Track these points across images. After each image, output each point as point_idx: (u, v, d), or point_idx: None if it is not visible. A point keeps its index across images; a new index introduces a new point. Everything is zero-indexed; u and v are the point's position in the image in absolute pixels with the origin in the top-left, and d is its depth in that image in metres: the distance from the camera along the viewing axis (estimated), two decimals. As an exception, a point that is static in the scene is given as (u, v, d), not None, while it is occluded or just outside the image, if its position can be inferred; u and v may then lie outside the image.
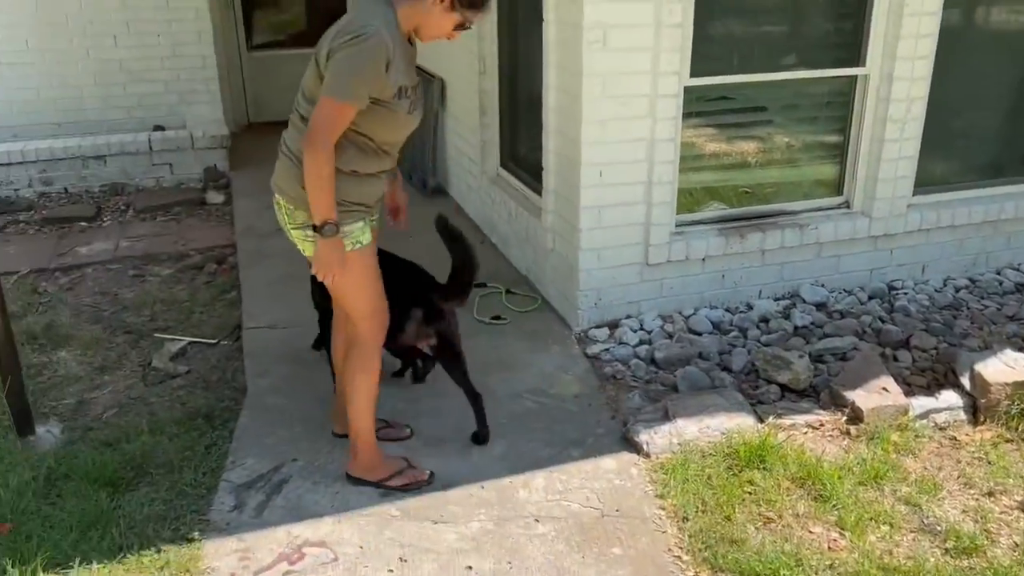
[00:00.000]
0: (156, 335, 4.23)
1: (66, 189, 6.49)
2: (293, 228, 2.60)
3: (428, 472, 2.94)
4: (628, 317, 3.98)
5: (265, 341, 3.96)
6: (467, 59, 5.14)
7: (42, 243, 5.54)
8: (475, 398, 3.15)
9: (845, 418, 3.20)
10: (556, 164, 3.96)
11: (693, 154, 4.02)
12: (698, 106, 3.93)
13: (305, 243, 2.60)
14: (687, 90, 3.75)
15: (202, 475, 3.00)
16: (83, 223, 5.88)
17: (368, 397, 2.83)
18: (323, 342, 3.70)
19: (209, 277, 5.00)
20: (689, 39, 3.64)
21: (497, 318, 4.13)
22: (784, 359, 3.42)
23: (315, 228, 2.46)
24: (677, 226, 3.96)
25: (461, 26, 2.52)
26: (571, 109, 3.70)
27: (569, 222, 3.89)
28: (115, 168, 6.56)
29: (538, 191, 4.37)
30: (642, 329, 3.90)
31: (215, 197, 6.32)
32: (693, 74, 3.73)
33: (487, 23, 4.84)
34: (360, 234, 2.60)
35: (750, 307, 4.10)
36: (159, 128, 7.15)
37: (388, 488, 2.87)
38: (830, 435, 3.16)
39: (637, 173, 3.75)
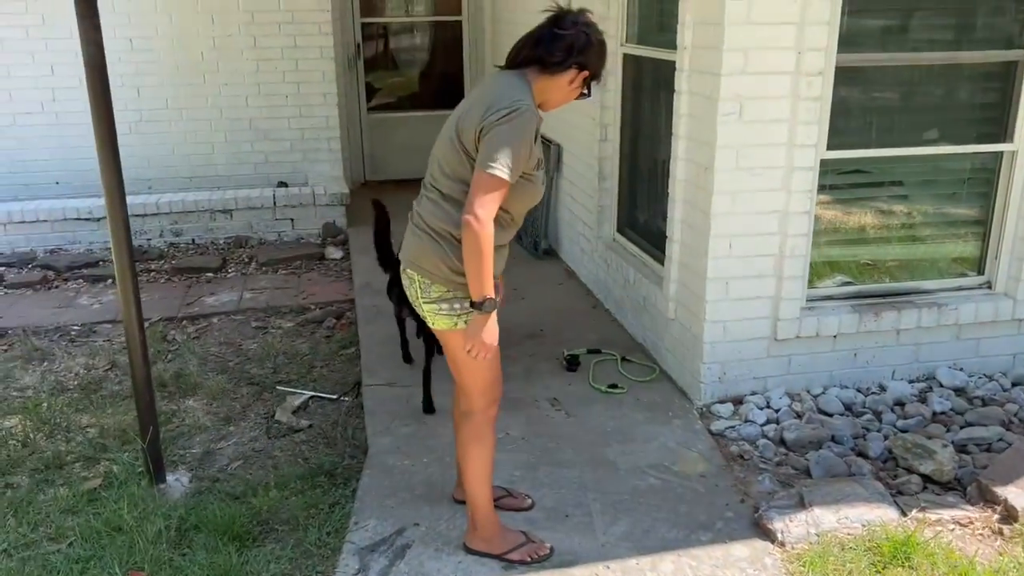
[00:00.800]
0: (279, 388, 4.33)
1: (194, 240, 6.80)
2: (427, 303, 2.59)
3: (549, 546, 2.87)
4: (753, 393, 3.85)
5: (385, 399, 4.00)
6: (587, 126, 5.17)
7: (171, 292, 5.79)
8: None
9: (997, 516, 2.98)
10: (682, 234, 3.91)
11: (826, 227, 3.90)
12: (832, 179, 3.83)
13: (437, 317, 2.60)
14: (823, 163, 3.66)
15: (326, 535, 3.01)
16: (209, 273, 6.13)
17: (484, 468, 2.80)
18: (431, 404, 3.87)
19: (328, 331, 5.11)
20: (827, 112, 3.57)
21: (614, 387, 4.05)
22: (927, 448, 3.23)
23: (473, 304, 2.48)
24: (808, 301, 3.84)
25: (581, 95, 2.63)
26: (702, 180, 3.66)
27: (694, 292, 3.82)
28: (240, 222, 6.85)
29: (658, 258, 4.32)
30: (769, 407, 3.76)
31: (334, 252, 6.51)
32: (830, 147, 3.64)
33: (610, 92, 4.88)
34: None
35: (883, 388, 3.91)
36: (282, 184, 7.45)
37: (509, 561, 2.82)
38: (980, 534, 2.94)
39: (768, 246, 3.66)
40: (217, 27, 7.10)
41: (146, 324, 5.26)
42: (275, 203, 6.86)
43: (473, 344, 2.53)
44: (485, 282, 2.43)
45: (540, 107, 2.55)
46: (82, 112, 7.11)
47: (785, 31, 3.39)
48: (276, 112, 7.39)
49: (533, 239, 6.23)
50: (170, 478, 3.47)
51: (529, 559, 2.81)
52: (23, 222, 6.52)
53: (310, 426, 3.92)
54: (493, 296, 2.48)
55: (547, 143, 6.05)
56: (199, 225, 6.80)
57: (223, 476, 3.51)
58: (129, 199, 6.69)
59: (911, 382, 3.96)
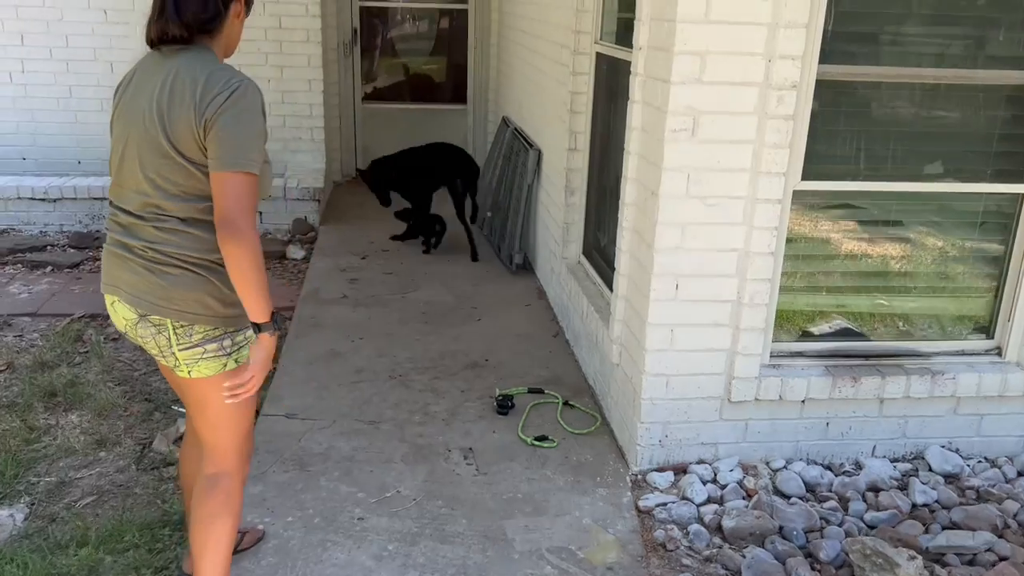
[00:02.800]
0: (174, 407, 3.85)
1: (155, 228, 6.37)
2: (185, 349, 2.09)
3: None
4: (700, 462, 3.25)
5: (276, 434, 3.48)
6: (560, 131, 4.60)
7: (109, 285, 5.36)
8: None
9: (965, 662, 2.35)
10: (629, 268, 3.33)
11: (799, 271, 3.28)
12: (811, 213, 3.21)
13: (200, 363, 2.10)
14: (797, 195, 3.04)
15: (135, 611, 2.51)
16: (156, 267, 5.69)
17: (231, 544, 2.29)
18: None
19: (256, 343, 4.61)
20: (803, 134, 2.94)
21: (543, 439, 3.48)
22: (889, 559, 2.60)
23: (260, 328, 2.03)
24: (772, 357, 3.22)
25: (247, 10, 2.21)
26: (648, 206, 3.06)
27: (636, 338, 3.23)
28: (205, 211, 6.40)
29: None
30: (714, 481, 3.16)
31: (295, 252, 6.02)
32: (806, 176, 3.02)
33: (582, 96, 4.30)
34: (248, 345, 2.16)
35: (859, 466, 3.29)
36: (258, 174, 7.00)
37: None
38: None
39: (724, 290, 3.06)
40: (197, 3, 6.65)
41: (67, 320, 4.87)
42: (243, 194, 6.38)
43: (255, 374, 2.07)
44: (266, 297, 2.01)
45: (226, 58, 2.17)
46: (51, 85, 6.81)
47: (753, 33, 2.78)
48: (257, 97, 6.92)
49: (509, 252, 5.67)
50: (3, 513, 3.00)
51: None
52: (-26, 199, 6.17)
53: (188, 459, 3.43)
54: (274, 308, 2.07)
55: (528, 145, 5.48)
56: (161, 213, 6.36)
57: (65, 515, 3.03)
58: (88, 181, 6.37)
59: (894, 461, 3.32)
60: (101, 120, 6.82)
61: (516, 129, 6.14)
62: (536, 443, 3.46)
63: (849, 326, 3.38)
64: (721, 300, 3.07)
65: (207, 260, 2.05)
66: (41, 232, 6.22)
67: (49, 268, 5.58)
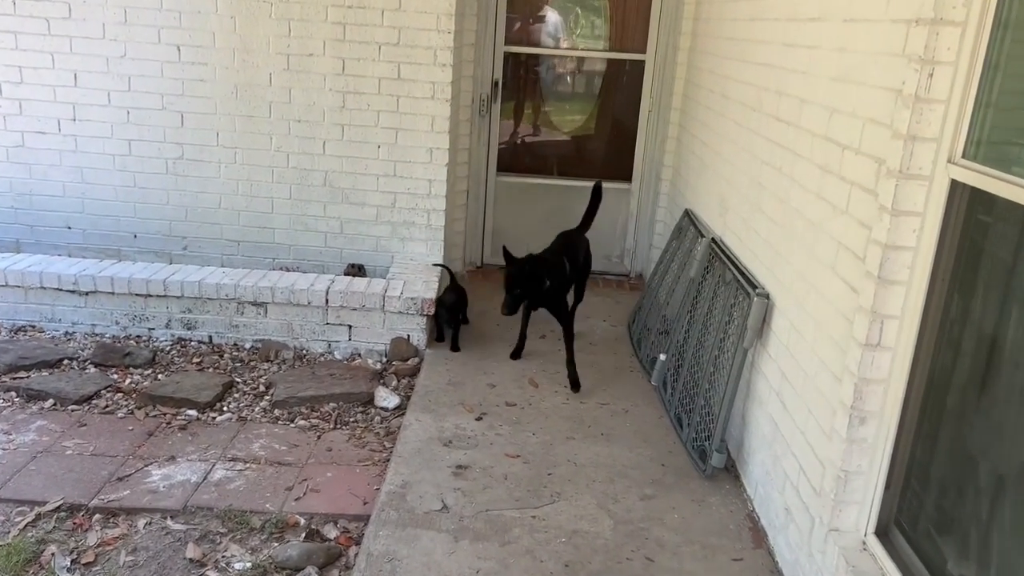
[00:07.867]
0: None
1: (210, 339, 4.76)
2: None
3: None
4: None
5: None
6: (842, 302, 2.61)
7: (118, 442, 3.72)
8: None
9: None
10: None
11: None
12: None
13: None
14: None
15: None
16: (192, 412, 4.01)
17: None
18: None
19: (297, 602, 2.83)
20: None
21: None
22: None
23: None
24: None
25: None
26: None
27: None
28: (278, 320, 4.74)
29: None
30: None
31: (386, 397, 4.24)
32: None
33: (905, 253, 2.30)
34: None
35: None
36: (356, 269, 5.33)
37: None
38: None
39: None
40: (295, 41, 5.07)
41: (34, 514, 3.24)
42: (327, 301, 4.69)
43: None
44: None
45: None
46: (107, 138, 5.15)
47: None
48: (361, 166, 5.28)
49: (700, 442, 3.69)
50: None
51: None
52: (-12, 284, 4.72)
53: None
54: None
55: (747, 284, 3.50)
56: (220, 318, 4.74)
57: None
58: (131, 270, 4.64)
59: None
60: (165, 185, 5.35)
61: (718, 244, 4.19)
62: None
63: None
64: None
65: None
66: (66, 334, 4.71)
67: (50, 402, 4.00)
